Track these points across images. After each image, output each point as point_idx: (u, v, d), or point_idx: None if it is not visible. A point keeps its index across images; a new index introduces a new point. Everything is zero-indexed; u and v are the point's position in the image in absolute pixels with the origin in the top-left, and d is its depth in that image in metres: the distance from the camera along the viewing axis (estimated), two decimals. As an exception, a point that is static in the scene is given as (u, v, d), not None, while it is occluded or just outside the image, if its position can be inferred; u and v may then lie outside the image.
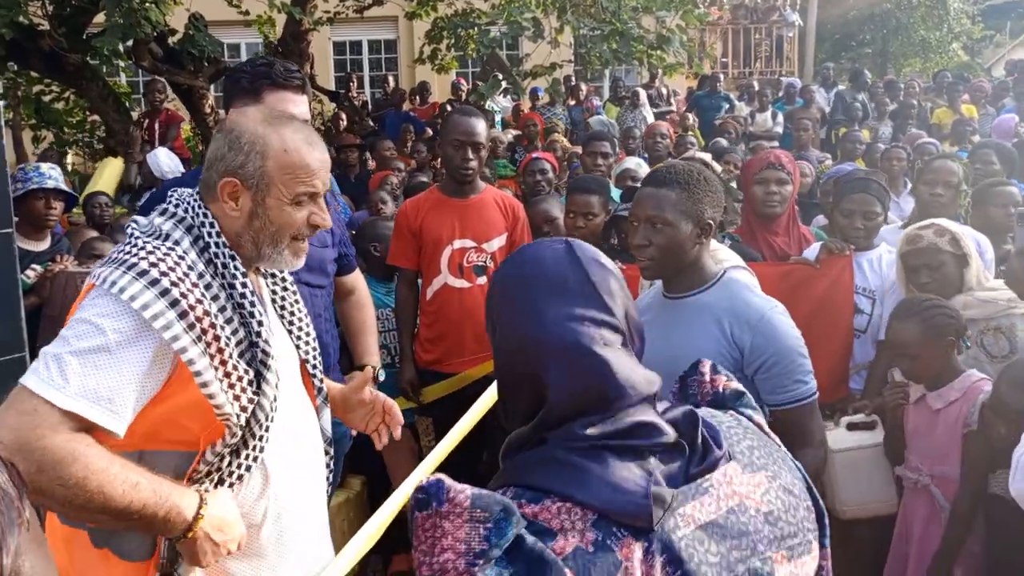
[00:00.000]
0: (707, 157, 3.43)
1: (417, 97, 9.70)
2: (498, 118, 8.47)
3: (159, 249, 1.34)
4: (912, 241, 2.54)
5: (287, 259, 1.48)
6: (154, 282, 1.29)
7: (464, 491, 0.82)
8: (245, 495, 1.43)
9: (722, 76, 10.35)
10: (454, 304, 2.96)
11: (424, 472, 1.85)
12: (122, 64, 7.51)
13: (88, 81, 6.51)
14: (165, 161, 5.94)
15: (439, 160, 6.25)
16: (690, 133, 7.10)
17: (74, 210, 4.38)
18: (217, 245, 1.40)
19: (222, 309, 1.37)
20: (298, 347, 1.61)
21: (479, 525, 0.80)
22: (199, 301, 1.33)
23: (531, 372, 0.94)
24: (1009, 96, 8.68)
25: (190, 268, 1.35)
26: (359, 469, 3.12)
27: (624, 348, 0.96)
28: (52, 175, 3.49)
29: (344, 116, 8.36)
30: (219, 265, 1.39)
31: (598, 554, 0.82)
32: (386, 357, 3.12)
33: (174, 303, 1.29)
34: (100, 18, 5.63)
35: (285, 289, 1.63)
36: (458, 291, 2.96)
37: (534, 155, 4.68)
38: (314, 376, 1.64)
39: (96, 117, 7.66)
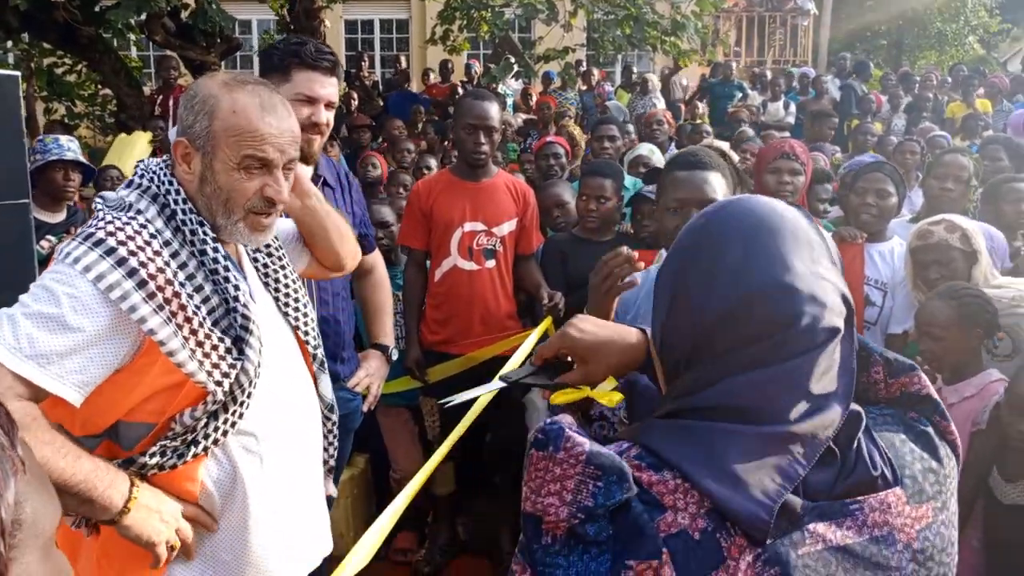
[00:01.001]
0: (725, 146, 3.43)
1: (438, 76, 9.61)
2: (509, 101, 8.44)
3: (119, 219, 1.32)
4: (923, 236, 2.54)
5: (242, 232, 1.41)
6: (110, 251, 1.26)
7: (583, 445, 0.79)
8: (224, 462, 1.40)
9: (734, 64, 10.27)
10: (463, 286, 2.97)
11: (434, 463, 1.87)
12: (134, 38, 7.50)
13: (101, 54, 6.52)
14: None
15: (449, 142, 6.26)
16: (700, 121, 7.06)
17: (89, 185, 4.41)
18: (184, 212, 1.36)
19: (190, 277, 1.33)
20: (287, 314, 1.56)
21: (590, 481, 0.78)
22: (160, 270, 1.29)
23: (749, 329, 0.82)
24: (1025, 92, 8.62)
25: (153, 236, 1.32)
26: (363, 447, 3.16)
27: (848, 331, 0.84)
28: (71, 147, 3.52)
29: (355, 96, 8.35)
30: (187, 232, 1.36)
31: (703, 544, 0.77)
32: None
33: (132, 272, 1.26)
34: (114, -9, 5.63)
35: (269, 255, 1.57)
36: (467, 273, 2.97)
37: (548, 138, 4.67)
38: (307, 343, 1.60)
39: (108, 91, 7.67)
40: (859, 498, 0.81)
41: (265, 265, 1.56)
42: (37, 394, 1.24)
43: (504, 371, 1.15)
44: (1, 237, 2.57)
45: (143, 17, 5.75)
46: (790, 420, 0.79)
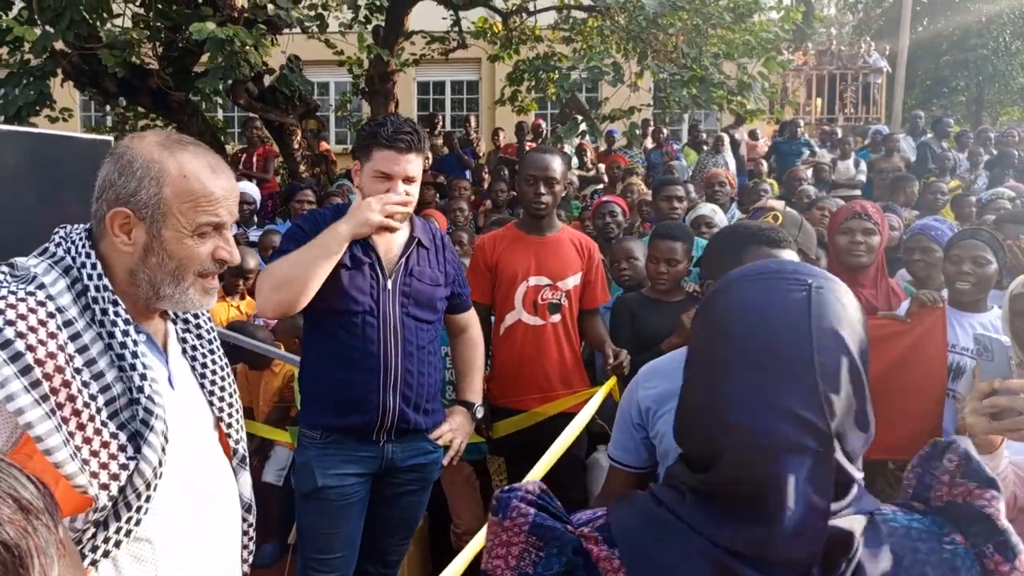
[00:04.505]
0: (780, 204, 3.39)
1: (510, 136, 9.78)
2: (575, 161, 8.55)
3: (15, 294, 1.17)
4: None
5: (193, 299, 1.31)
6: None
7: (527, 515, 0.83)
8: (116, 570, 1.23)
9: (801, 122, 10.18)
10: (528, 341, 2.98)
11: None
12: (220, 101, 7.95)
13: (189, 116, 6.92)
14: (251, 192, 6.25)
15: (515, 197, 6.36)
16: (762, 180, 6.99)
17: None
18: (97, 289, 1.23)
19: (90, 362, 1.18)
20: (211, 403, 1.44)
21: (532, 551, 0.81)
22: (51, 355, 1.14)
23: (708, 436, 0.83)
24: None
25: (51, 316, 1.17)
26: (428, 507, 3.15)
27: (820, 454, 0.78)
28: None
29: (428, 155, 8.60)
30: (97, 311, 1.22)
31: None
32: (452, 393, 3.17)
33: (15, 357, 1.11)
34: (204, 57, 6.00)
35: (199, 337, 1.46)
36: (532, 328, 2.98)
37: (604, 198, 4.71)
38: (229, 435, 1.48)
39: (194, 150, 8.10)
40: None
41: (194, 348, 1.44)
42: None
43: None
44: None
45: (229, 83, 6.10)
46: (728, 541, 0.78)
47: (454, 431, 2.40)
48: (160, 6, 5.85)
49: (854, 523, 0.78)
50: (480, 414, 2.55)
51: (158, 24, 6.03)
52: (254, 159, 7.50)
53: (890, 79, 14.05)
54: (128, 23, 6.15)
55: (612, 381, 2.65)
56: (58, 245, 1.27)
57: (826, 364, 0.79)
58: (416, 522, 2.52)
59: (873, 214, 2.94)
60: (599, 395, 2.55)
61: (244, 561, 1.54)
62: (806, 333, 0.79)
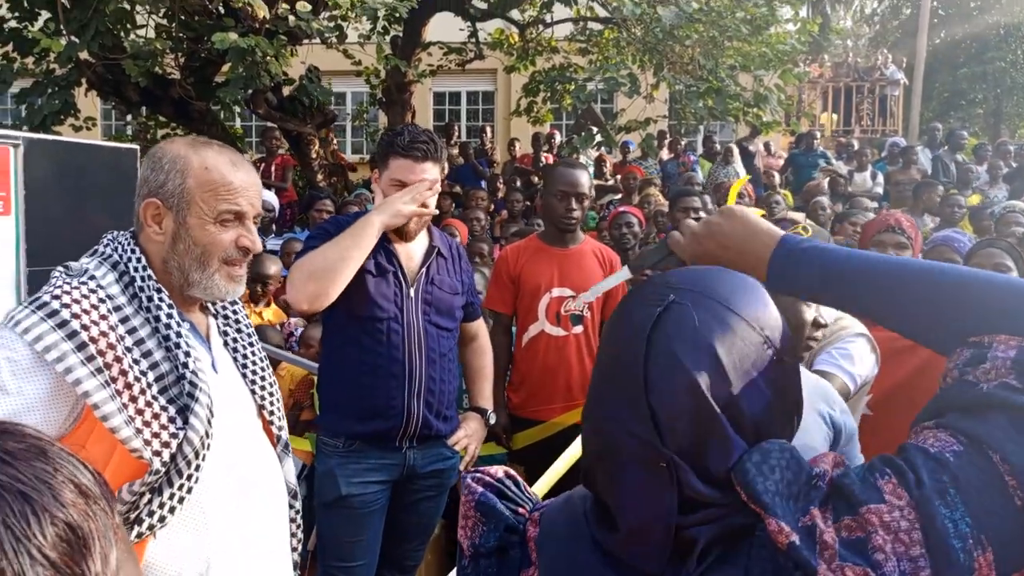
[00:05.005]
0: (799, 217, 3.39)
1: (525, 146, 9.83)
2: (591, 170, 8.57)
3: (68, 283, 1.30)
4: None
5: (219, 284, 1.41)
6: (52, 314, 1.24)
7: (475, 493, 0.94)
8: (174, 539, 1.33)
9: (819, 134, 10.16)
10: (551, 352, 3.01)
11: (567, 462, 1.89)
12: (239, 110, 8.05)
13: (209, 126, 7.01)
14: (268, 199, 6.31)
15: (535, 208, 6.38)
16: (775, 192, 6.97)
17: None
18: (143, 279, 1.35)
19: (139, 342, 1.31)
20: (253, 391, 1.54)
21: (479, 525, 0.93)
22: (104, 333, 1.26)
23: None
24: None
25: (102, 300, 1.30)
26: (444, 514, 3.17)
27: (654, 469, 0.78)
28: None
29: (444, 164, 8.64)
30: (144, 299, 1.34)
31: None
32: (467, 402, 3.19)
33: (72, 334, 1.24)
34: (224, 67, 6.09)
35: (239, 331, 1.57)
36: (555, 339, 3.01)
37: (621, 209, 4.72)
38: (271, 423, 1.57)
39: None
40: None
41: (235, 340, 1.55)
42: None
43: (632, 260, 1.13)
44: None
45: (249, 92, 6.17)
46: (602, 540, 0.85)
47: (469, 437, 2.43)
48: (183, 17, 5.94)
49: (704, 534, 0.77)
50: (493, 420, 2.58)
51: (180, 34, 6.12)
52: (272, 168, 7.57)
53: (907, 91, 13.99)
54: (151, 33, 6.25)
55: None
56: (107, 245, 1.40)
57: (658, 383, 0.78)
58: (433, 527, 2.55)
59: (907, 228, 2.93)
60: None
61: (294, 549, 1.60)
62: (640, 351, 0.79)
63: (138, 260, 1.37)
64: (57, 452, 0.56)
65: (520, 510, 0.93)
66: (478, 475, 0.96)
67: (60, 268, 1.38)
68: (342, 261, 2.11)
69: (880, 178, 8.34)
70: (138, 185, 1.42)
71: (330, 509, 2.27)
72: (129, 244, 1.39)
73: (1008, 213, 4.72)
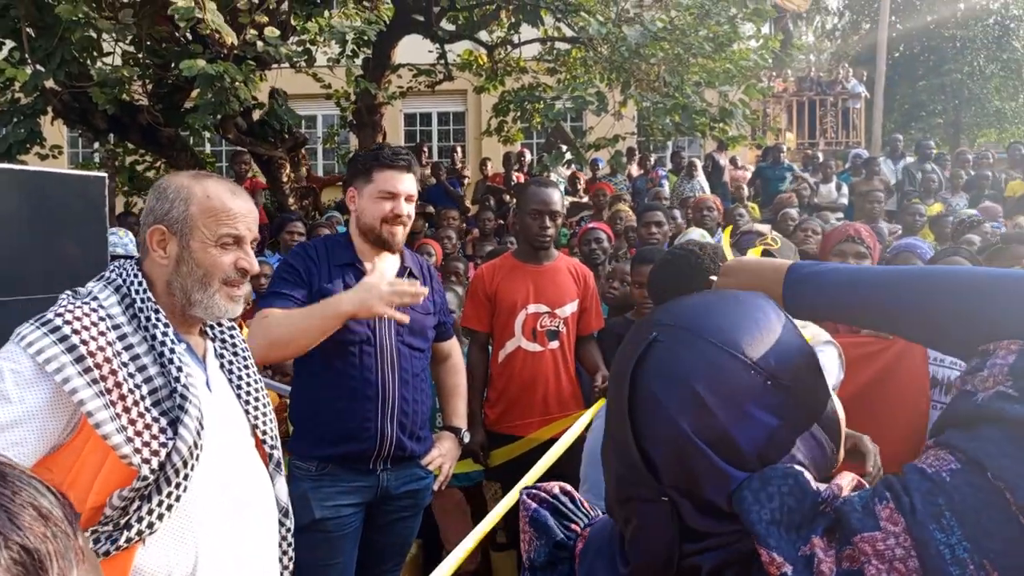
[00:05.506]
0: (765, 228, 3.46)
1: (497, 165, 9.91)
2: (561, 188, 8.65)
3: (73, 304, 1.42)
4: None
5: (219, 304, 1.51)
6: (54, 329, 1.35)
7: (528, 509, 0.95)
8: (162, 547, 1.39)
9: (785, 147, 10.35)
10: (528, 367, 3.04)
11: (484, 529, 1.91)
12: (209, 136, 8.02)
13: (179, 152, 6.97)
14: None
15: (507, 227, 6.43)
16: (740, 205, 7.07)
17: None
18: (143, 300, 1.46)
19: (135, 357, 1.40)
20: (247, 412, 1.61)
21: (534, 540, 0.94)
22: (101, 348, 1.37)
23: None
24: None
25: (102, 319, 1.40)
26: (419, 533, 3.17)
27: (662, 503, 0.78)
28: (125, 241, 3.75)
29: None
30: (143, 319, 1.44)
31: None
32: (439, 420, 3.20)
33: (71, 348, 1.34)
34: (193, 93, 6.07)
35: (236, 354, 1.66)
36: (532, 355, 3.04)
37: (590, 225, 4.79)
38: (264, 442, 1.63)
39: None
40: None
41: (230, 362, 1.64)
42: None
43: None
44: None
45: (218, 118, 6.17)
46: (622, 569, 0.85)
47: (443, 456, 2.45)
48: (150, 44, 5.93)
49: (708, 560, 0.76)
50: (467, 439, 2.59)
51: (148, 61, 6.11)
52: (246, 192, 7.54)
53: (868, 104, 14.31)
54: (118, 61, 6.22)
55: (601, 402, 2.70)
56: (112, 271, 1.52)
57: (644, 426, 0.78)
58: (408, 548, 2.55)
59: (866, 238, 3.00)
60: (588, 414, 2.60)
61: (285, 568, 1.65)
62: (625, 393, 0.80)
63: (140, 284, 1.48)
64: (17, 475, 0.57)
65: (573, 526, 0.94)
66: (534, 491, 0.97)
67: (68, 292, 1.49)
68: (304, 337, 2.12)
69: (845, 189, 8.51)
70: (144, 215, 1.54)
71: (305, 533, 2.25)
72: (133, 270, 1.50)
73: (968, 222, 4.86)
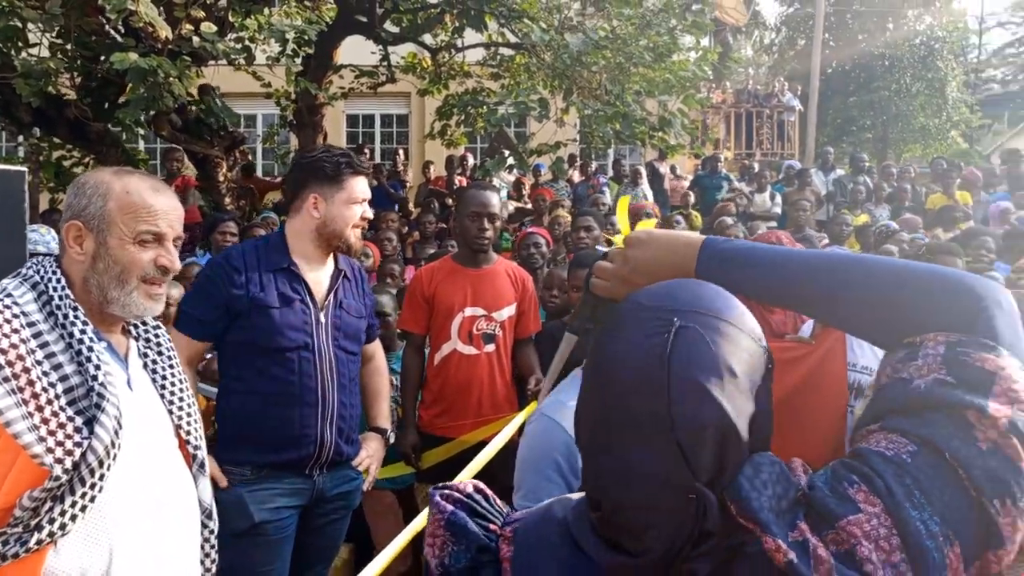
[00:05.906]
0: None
1: (440, 168, 9.88)
2: (503, 193, 8.69)
3: None
4: None
5: (137, 302, 1.48)
6: None
7: (444, 512, 0.90)
8: (74, 549, 1.35)
9: (723, 157, 10.63)
10: (462, 370, 3.04)
11: (413, 530, 1.91)
12: (142, 132, 7.78)
13: (108, 148, 6.74)
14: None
15: (448, 231, 6.41)
16: (679, 212, 7.23)
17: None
18: (60, 298, 1.43)
19: (50, 355, 1.37)
20: (170, 411, 1.59)
21: (449, 544, 0.89)
22: (13, 345, 1.33)
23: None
24: (1004, 184, 8.88)
25: (15, 316, 1.37)
26: (348, 537, 3.13)
27: (688, 501, 0.75)
28: (47, 238, 3.62)
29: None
30: (60, 316, 1.41)
31: None
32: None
33: None
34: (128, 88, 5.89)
35: (160, 354, 1.63)
36: (467, 357, 3.04)
37: (529, 230, 4.82)
38: (188, 442, 1.61)
39: (114, 182, 7.87)
40: None
41: (154, 362, 1.61)
42: None
43: (570, 322, 1.09)
44: None
45: (151, 114, 5.99)
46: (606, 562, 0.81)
47: (370, 457, 2.44)
48: (78, 35, 5.72)
49: (703, 565, 0.76)
50: (393, 439, 2.59)
51: (77, 53, 5.90)
52: (172, 190, 7.34)
53: (803, 118, 14.78)
54: (45, 52, 5.99)
55: (533, 404, 2.73)
56: (29, 268, 1.48)
57: (685, 415, 0.74)
58: (337, 550, 2.54)
59: (787, 244, 3.11)
60: (520, 417, 2.62)
61: (207, 570, 1.62)
62: (662, 384, 0.75)
63: (58, 281, 1.44)
64: None
65: (491, 526, 0.90)
66: (447, 491, 0.92)
67: None
68: None
69: (779, 199, 8.77)
70: (63, 211, 1.51)
71: (243, 538, 2.19)
72: (51, 267, 1.47)
73: (885, 231, 5.07)
